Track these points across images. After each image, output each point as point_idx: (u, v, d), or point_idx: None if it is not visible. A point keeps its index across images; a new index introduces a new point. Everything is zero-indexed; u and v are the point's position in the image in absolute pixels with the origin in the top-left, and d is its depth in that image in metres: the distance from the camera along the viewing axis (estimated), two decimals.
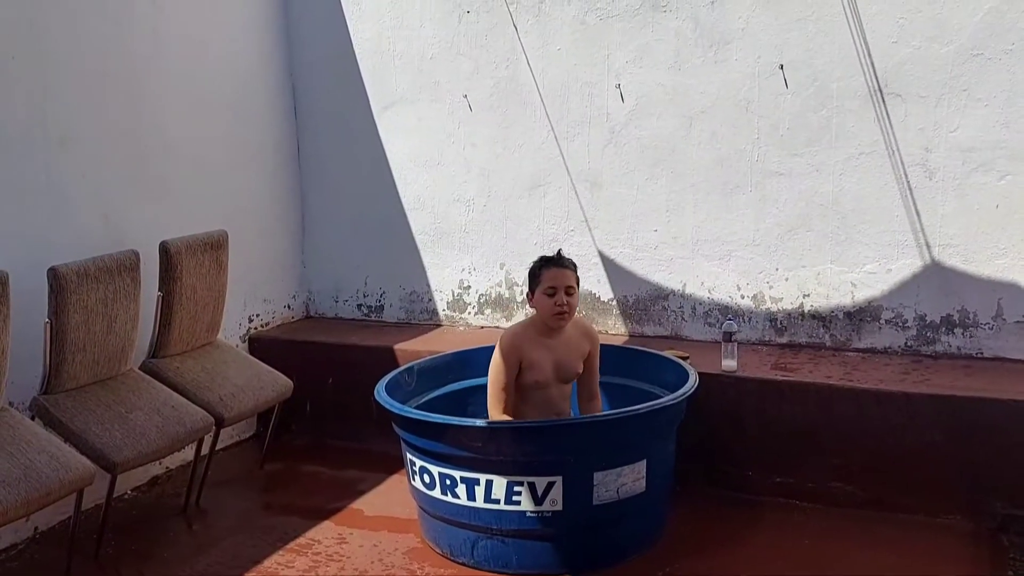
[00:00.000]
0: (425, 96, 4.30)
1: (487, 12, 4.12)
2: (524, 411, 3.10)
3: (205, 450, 3.57)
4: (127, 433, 3.07)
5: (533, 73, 4.07)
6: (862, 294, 3.65)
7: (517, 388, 3.08)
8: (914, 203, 3.53)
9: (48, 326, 3.05)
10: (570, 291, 3.02)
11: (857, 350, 3.68)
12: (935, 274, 3.53)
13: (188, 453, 3.70)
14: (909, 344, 3.60)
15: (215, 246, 3.68)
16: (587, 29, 3.94)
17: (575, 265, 3.11)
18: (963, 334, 3.52)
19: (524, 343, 3.05)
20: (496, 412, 3.03)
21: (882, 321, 3.63)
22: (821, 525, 3.19)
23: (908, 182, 3.52)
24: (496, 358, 3.06)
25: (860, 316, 3.67)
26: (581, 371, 3.13)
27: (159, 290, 3.49)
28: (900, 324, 3.61)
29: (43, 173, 3.35)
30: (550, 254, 3.13)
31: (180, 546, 3.27)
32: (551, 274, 3.02)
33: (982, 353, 3.50)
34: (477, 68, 4.17)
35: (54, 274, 3.03)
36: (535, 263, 3.11)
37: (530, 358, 3.04)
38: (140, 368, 3.47)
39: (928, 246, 3.53)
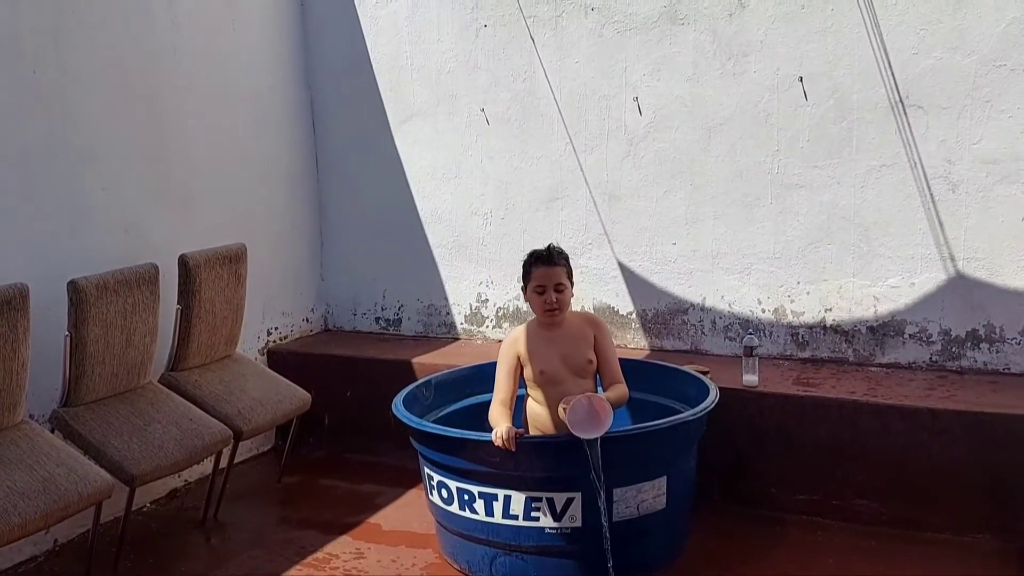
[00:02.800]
0: (443, 109, 4.31)
1: (504, 26, 4.12)
2: (539, 408, 3.08)
3: (223, 463, 3.57)
4: (145, 446, 3.08)
5: (551, 86, 4.07)
6: (885, 308, 3.60)
7: (531, 384, 3.08)
8: (937, 216, 3.48)
9: (67, 339, 3.06)
10: (560, 288, 3.01)
11: (880, 365, 3.63)
12: (960, 288, 3.48)
13: (206, 466, 3.70)
14: (934, 359, 3.55)
15: (234, 259, 3.69)
16: (604, 42, 3.94)
17: (567, 258, 3.08)
18: (989, 349, 3.46)
19: (522, 337, 3.08)
20: (495, 401, 3.04)
21: (906, 335, 3.58)
22: (845, 543, 3.13)
23: (931, 194, 3.48)
24: (500, 351, 3.13)
25: (883, 330, 3.62)
26: (593, 360, 3.05)
27: (178, 303, 3.50)
28: (924, 339, 3.56)
29: (63, 186, 3.37)
30: (541, 248, 3.10)
31: (198, 560, 3.27)
32: (540, 272, 3.02)
33: (1009, 368, 3.44)
34: (495, 81, 4.17)
35: (74, 287, 3.04)
36: (526, 258, 3.10)
37: (528, 350, 3.05)
38: (159, 381, 3.48)
39: (952, 259, 3.48)
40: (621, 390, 3.02)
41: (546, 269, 3.03)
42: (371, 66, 4.44)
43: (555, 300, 3.00)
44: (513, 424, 2.88)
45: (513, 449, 2.74)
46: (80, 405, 3.14)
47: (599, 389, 3.09)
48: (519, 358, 3.07)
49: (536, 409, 3.11)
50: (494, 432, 2.79)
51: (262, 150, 4.35)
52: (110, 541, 3.20)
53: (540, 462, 2.83)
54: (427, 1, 4.25)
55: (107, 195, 3.54)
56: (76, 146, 3.41)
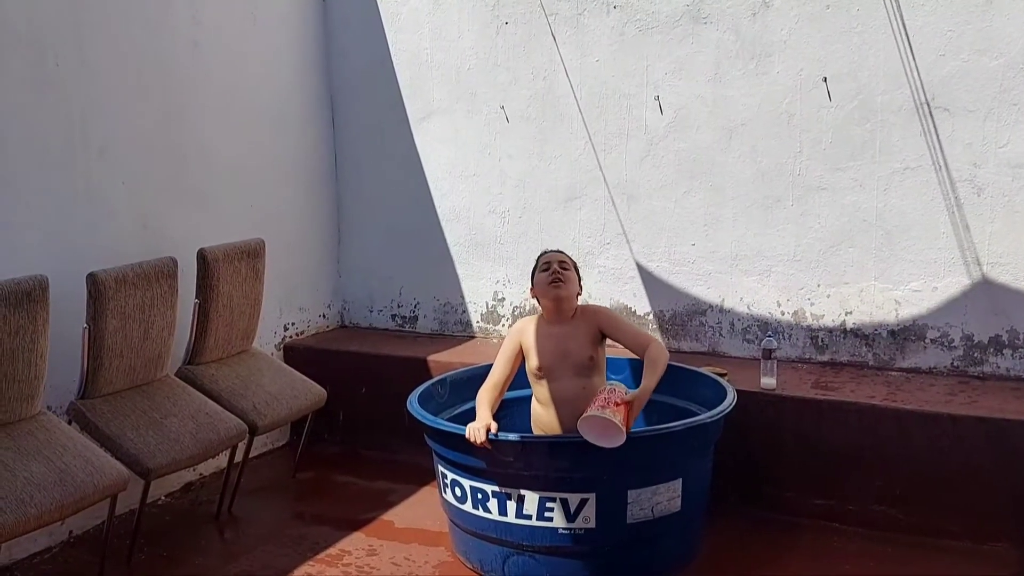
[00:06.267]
0: (462, 107, 4.30)
1: (525, 23, 4.10)
2: (540, 408, 3.08)
3: (238, 457, 3.58)
4: (161, 439, 3.09)
5: (571, 84, 4.05)
6: (907, 312, 3.56)
7: (531, 379, 3.11)
8: (961, 220, 3.44)
9: (86, 331, 3.08)
10: (564, 265, 3.11)
11: (901, 370, 3.58)
12: (983, 293, 3.43)
13: (221, 460, 3.71)
14: (955, 364, 3.50)
15: (252, 254, 3.70)
16: (626, 41, 3.91)
17: (575, 261, 3.22)
18: (1012, 355, 3.41)
19: (527, 328, 3.14)
20: (486, 383, 3.09)
21: (927, 340, 3.54)
22: (861, 549, 3.10)
23: (955, 198, 3.43)
24: (506, 337, 3.22)
25: (904, 335, 3.57)
26: (595, 356, 3.04)
27: (196, 297, 3.52)
28: (946, 344, 3.51)
29: (83, 180, 3.39)
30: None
31: (212, 554, 3.28)
32: (545, 256, 3.18)
33: None
34: (514, 79, 4.16)
35: (93, 280, 3.06)
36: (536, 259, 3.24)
37: (529, 342, 3.09)
38: (176, 374, 3.49)
39: (976, 264, 3.43)
40: (658, 358, 2.90)
41: (552, 252, 3.20)
42: (391, 63, 4.44)
43: (560, 272, 3.07)
44: (523, 425, 2.88)
45: (486, 446, 2.77)
46: (97, 397, 3.16)
47: (614, 378, 3.12)
48: (521, 347, 3.11)
49: (538, 410, 3.11)
50: (469, 426, 2.82)
51: (281, 146, 4.36)
52: (125, 533, 3.22)
53: (554, 462, 2.81)
54: None
55: (126, 189, 3.56)
56: (96, 140, 3.43)
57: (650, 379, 2.85)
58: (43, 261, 3.10)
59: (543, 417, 3.07)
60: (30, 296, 2.78)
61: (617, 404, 2.67)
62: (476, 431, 2.78)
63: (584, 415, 2.67)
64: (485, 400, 3.00)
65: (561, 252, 3.22)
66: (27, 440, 2.80)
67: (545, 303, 3.12)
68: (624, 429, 2.62)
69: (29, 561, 3.17)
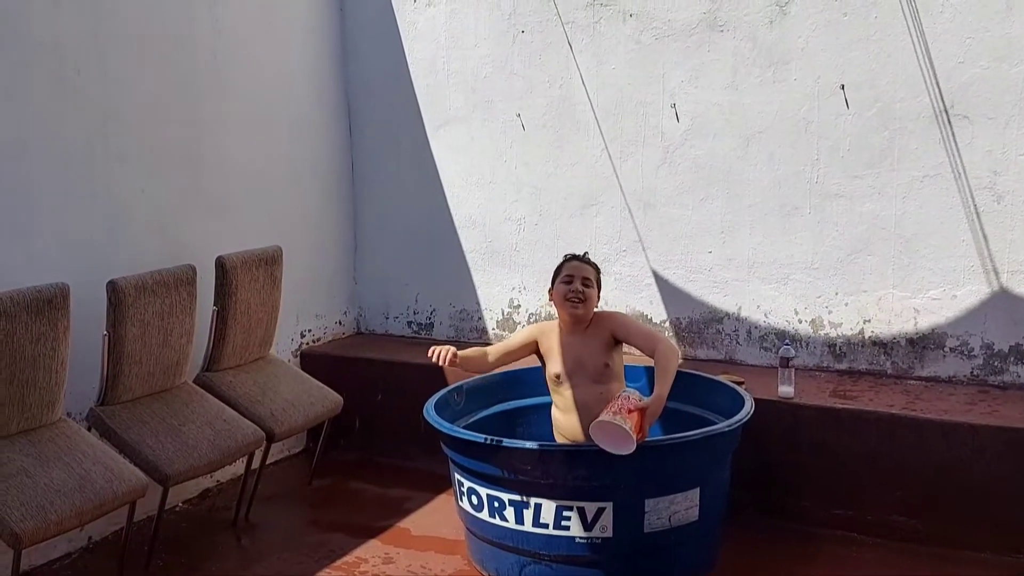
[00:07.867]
0: (478, 115, 4.31)
1: (541, 31, 4.11)
2: (560, 414, 3.10)
3: (255, 464, 3.59)
4: (179, 446, 3.11)
5: (587, 92, 4.05)
6: (926, 320, 3.53)
7: (550, 385, 3.13)
8: (981, 227, 3.41)
9: (106, 338, 3.10)
10: (587, 283, 3.10)
11: (920, 378, 3.56)
12: (1003, 301, 3.40)
13: (239, 467, 3.73)
14: (975, 373, 3.47)
15: (270, 262, 3.72)
16: (642, 48, 3.91)
17: (598, 268, 3.20)
18: None
19: (546, 330, 3.18)
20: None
21: (946, 349, 3.51)
22: (881, 560, 3.08)
23: (975, 206, 3.41)
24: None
25: (923, 343, 3.55)
26: (610, 363, 3.05)
27: (214, 304, 3.54)
28: (966, 352, 3.48)
29: (103, 188, 3.42)
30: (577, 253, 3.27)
31: (229, 561, 3.29)
32: (571, 266, 3.14)
33: None
34: (531, 87, 4.17)
35: (113, 287, 3.08)
36: (560, 262, 3.23)
37: (547, 345, 3.13)
38: (194, 381, 3.51)
39: (996, 272, 3.40)
40: (668, 361, 2.89)
41: (578, 264, 3.15)
42: (408, 71, 4.45)
43: (581, 290, 3.06)
44: (541, 434, 2.94)
45: (441, 364, 2.94)
46: (116, 404, 3.18)
47: (631, 385, 3.10)
48: (536, 343, 3.16)
49: (557, 416, 3.13)
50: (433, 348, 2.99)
51: (298, 154, 4.38)
52: (143, 540, 3.24)
53: (572, 471, 2.81)
54: (465, 7, 4.26)
55: (146, 197, 3.59)
56: (116, 148, 3.46)
57: (662, 386, 2.83)
58: (63, 269, 3.12)
59: (563, 423, 3.09)
60: (51, 304, 2.81)
61: (629, 411, 2.66)
62: (439, 349, 2.94)
63: (595, 421, 2.66)
64: (476, 349, 3.14)
65: (586, 264, 3.15)
66: (48, 446, 2.83)
67: (561, 313, 3.12)
68: (634, 435, 2.61)
69: (49, 567, 3.20)
